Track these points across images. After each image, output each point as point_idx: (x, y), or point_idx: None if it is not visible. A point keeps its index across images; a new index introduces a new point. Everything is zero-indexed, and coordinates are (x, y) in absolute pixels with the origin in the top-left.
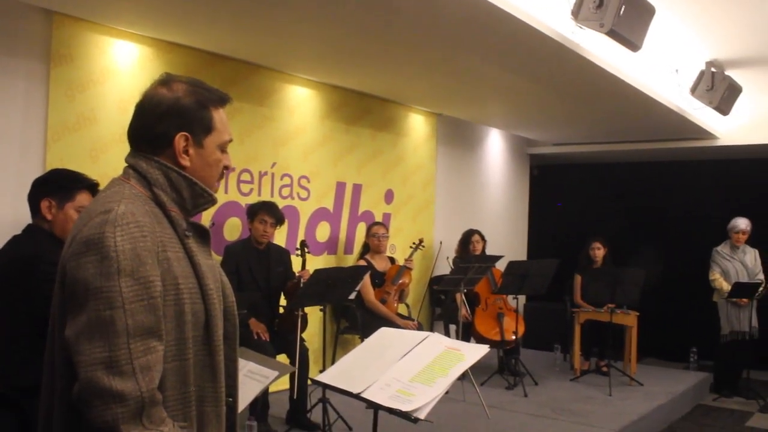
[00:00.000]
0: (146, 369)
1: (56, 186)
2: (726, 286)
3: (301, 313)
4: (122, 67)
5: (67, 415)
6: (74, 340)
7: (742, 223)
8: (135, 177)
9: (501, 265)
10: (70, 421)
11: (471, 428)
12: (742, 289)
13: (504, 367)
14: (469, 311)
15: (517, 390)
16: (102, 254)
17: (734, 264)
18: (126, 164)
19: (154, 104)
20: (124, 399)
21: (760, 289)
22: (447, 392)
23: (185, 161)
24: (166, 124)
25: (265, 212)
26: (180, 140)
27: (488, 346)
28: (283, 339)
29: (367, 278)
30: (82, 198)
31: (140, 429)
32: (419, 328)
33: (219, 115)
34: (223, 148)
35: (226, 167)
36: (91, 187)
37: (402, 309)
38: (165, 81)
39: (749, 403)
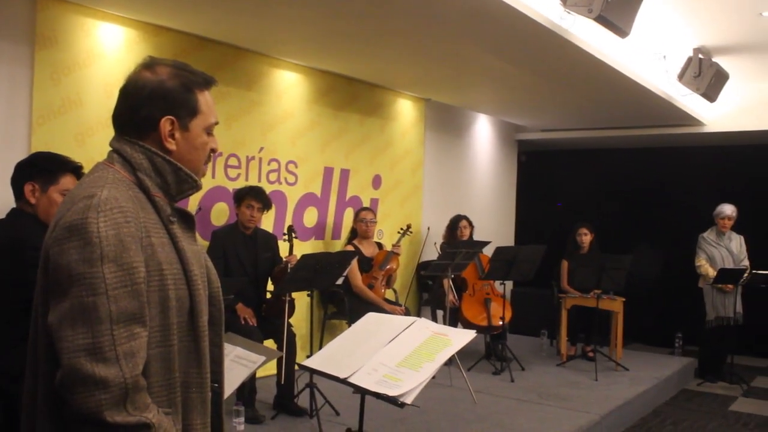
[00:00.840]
0: (130, 355)
1: (39, 169)
2: (712, 272)
3: (288, 298)
4: (108, 51)
5: (51, 401)
6: (57, 326)
7: (728, 209)
8: (119, 162)
9: (488, 251)
10: (54, 407)
11: (458, 413)
12: (727, 276)
13: (491, 353)
14: (456, 296)
15: (503, 375)
16: (85, 240)
17: (720, 250)
18: (110, 149)
19: (138, 88)
20: (107, 385)
21: (745, 275)
22: (434, 377)
23: (171, 145)
24: (150, 108)
25: (252, 197)
26: (165, 124)
27: (475, 331)
28: (270, 324)
29: (354, 263)
30: (66, 181)
31: (124, 415)
32: (406, 313)
33: (204, 98)
34: (209, 131)
35: (213, 150)
36: (75, 170)
37: (389, 294)
38: (149, 64)
39: (733, 388)
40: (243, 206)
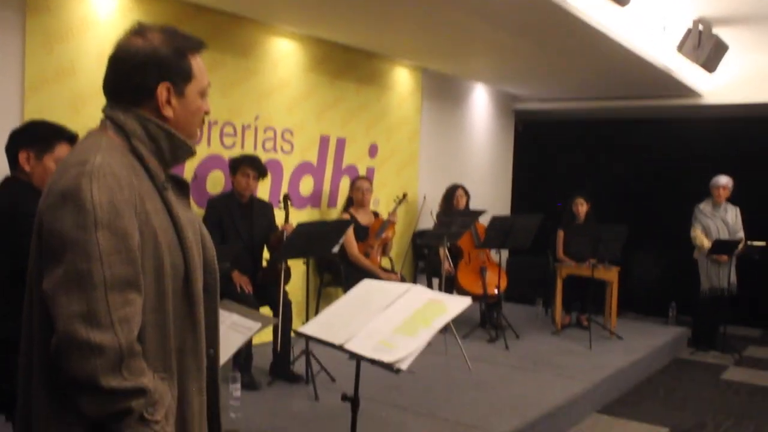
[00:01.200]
0: (125, 321)
1: (35, 137)
2: (707, 243)
3: (284, 266)
4: (102, 18)
5: (47, 368)
6: (51, 293)
7: (723, 179)
8: (113, 128)
9: (484, 220)
10: (49, 375)
11: (453, 380)
12: (722, 247)
13: (486, 321)
14: (452, 265)
15: (498, 343)
16: (78, 206)
17: (715, 221)
18: (103, 116)
19: (130, 55)
20: (102, 351)
21: (740, 246)
22: (429, 344)
23: (168, 112)
24: (145, 75)
25: (248, 165)
26: (162, 91)
27: (470, 298)
28: (266, 291)
29: (350, 232)
30: (62, 149)
31: (120, 380)
32: (402, 281)
33: (197, 62)
34: (203, 94)
35: (206, 112)
36: (71, 139)
37: (385, 263)
38: (138, 30)
39: (725, 357)
40: (239, 174)
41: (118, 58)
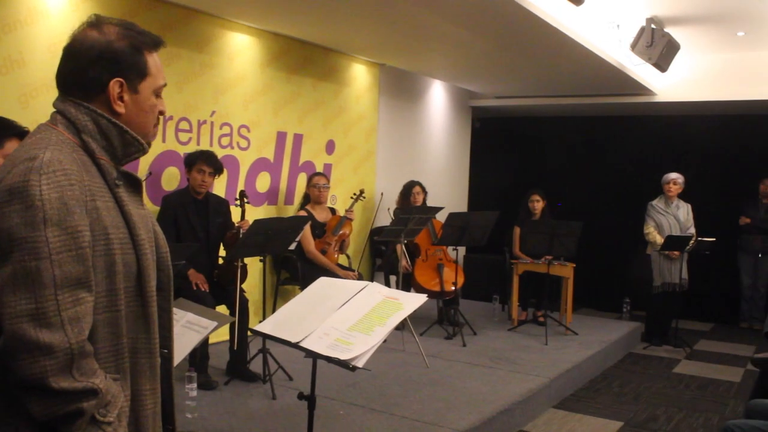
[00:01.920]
0: (75, 320)
1: None
2: (659, 239)
3: (240, 263)
4: (51, 9)
5: None
6: None
7: (673, 174)
8: (63, 123)
9: (441, 217)
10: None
11: (410, 377)
12: (674, 242)
13: (443, 318)
14: (409, 262)
15: (455, 340)
16: (27, 203)
17: (668, 218)
18: (54, 110)
19: (85, 48)
20: (52, 351)
21: (691, 242)
22: (386, 341)
23: (120, 108)
24: (98, 69)
25: (203, 161)
26: (114, 86)
27: (426, 295)
28: (222, 290)
29: (307, 229)
30: (11, 146)
31: (70, 381)
32: (359, 278)
33: (153, 60)
34: (157, 93)
35: (161, 113)
36: (21, 134)
37: (342, 260)
38: (94, 23)
39: (677, 351)
40: (194, 171)
41: (72, 51)
